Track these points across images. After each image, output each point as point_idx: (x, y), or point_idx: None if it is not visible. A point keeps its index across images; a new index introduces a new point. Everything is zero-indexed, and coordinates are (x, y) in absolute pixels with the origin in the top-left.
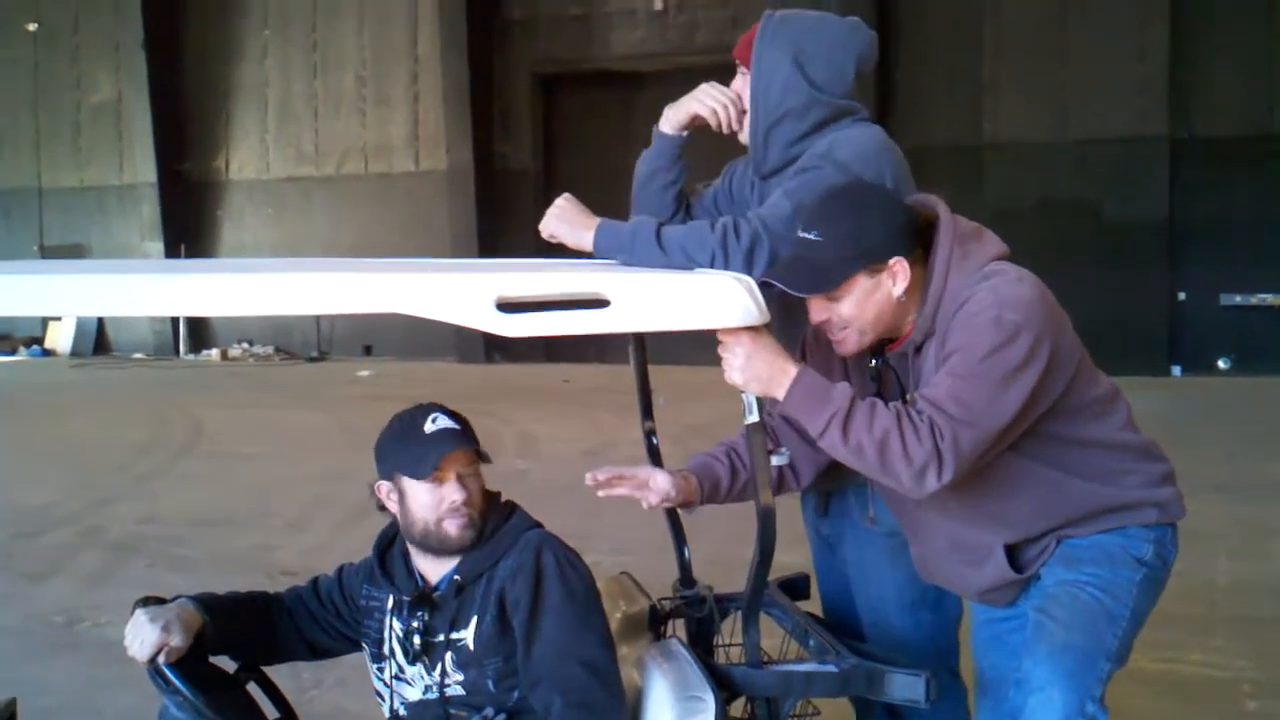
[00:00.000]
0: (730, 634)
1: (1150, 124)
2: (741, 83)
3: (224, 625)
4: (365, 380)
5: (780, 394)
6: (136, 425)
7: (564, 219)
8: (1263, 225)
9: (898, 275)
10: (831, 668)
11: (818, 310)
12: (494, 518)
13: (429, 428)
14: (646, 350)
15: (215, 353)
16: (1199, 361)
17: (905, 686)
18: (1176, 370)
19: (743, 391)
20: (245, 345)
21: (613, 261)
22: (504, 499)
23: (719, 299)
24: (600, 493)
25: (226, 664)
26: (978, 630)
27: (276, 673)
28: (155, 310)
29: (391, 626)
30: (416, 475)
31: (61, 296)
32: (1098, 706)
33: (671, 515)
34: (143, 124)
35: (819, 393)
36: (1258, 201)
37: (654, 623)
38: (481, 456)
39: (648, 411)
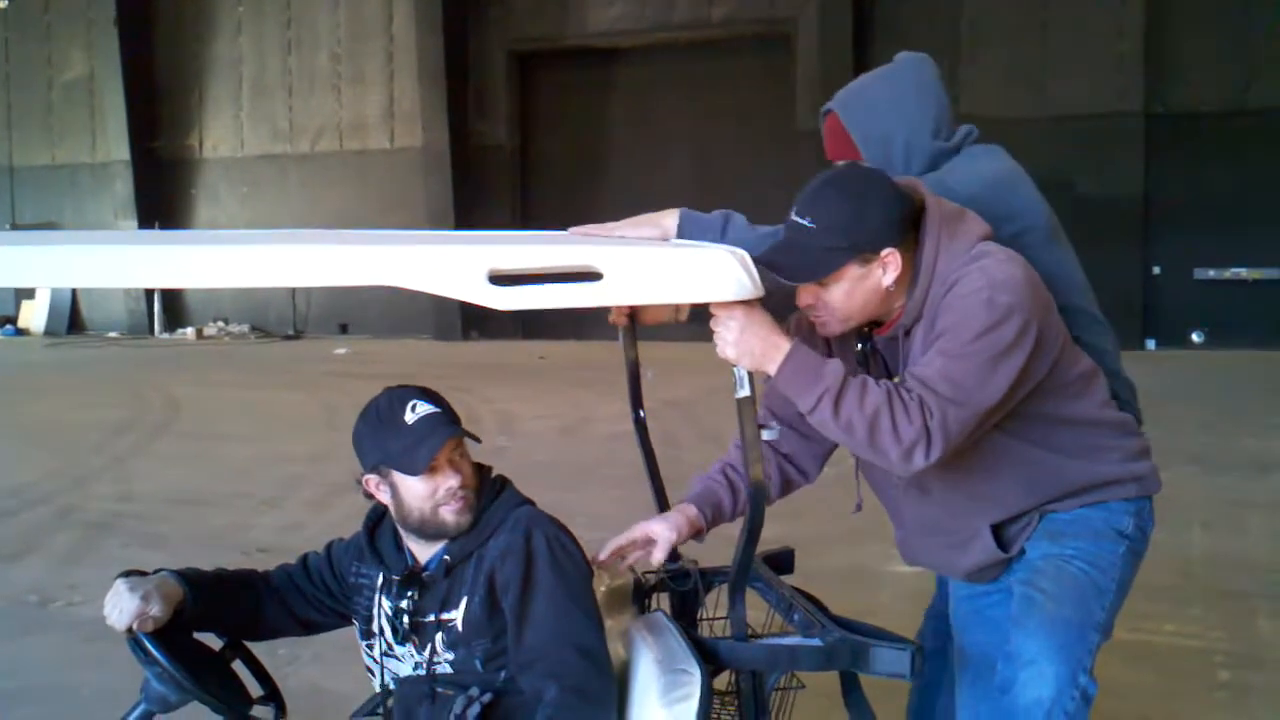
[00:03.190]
0: (714, 608)
1: (1126, 100)
2: None
3: (206, 599)
4: (342, 358)
5: (772, 370)
6: (112, 404)
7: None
8: (1236, 200)
9: (889, 266)
10: (816, 642)
11: (805, 295)
12: (485, 494)
13: (410, 417)
14: (637, 335)
15: (190, 331)
16: (1173, 335)
17: (890, 661)
18: (1151, 344)
19: (734, 366)
20: (221, 324)
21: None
22: (494, 473)
23: (713, 272)
24: (622, 566)
25: (216, 643)
26: (959, 606)
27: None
28: (142, 282)
29: (380, 605)
30: (409, 470)
31: (46, 267)
32: (1088, 678)
33: (657, 488)
34: (115, 101)
35: (811, 369)
36: (1231, 176)
37: (638, 596)
38: (471, 437)
39: (637, 399)
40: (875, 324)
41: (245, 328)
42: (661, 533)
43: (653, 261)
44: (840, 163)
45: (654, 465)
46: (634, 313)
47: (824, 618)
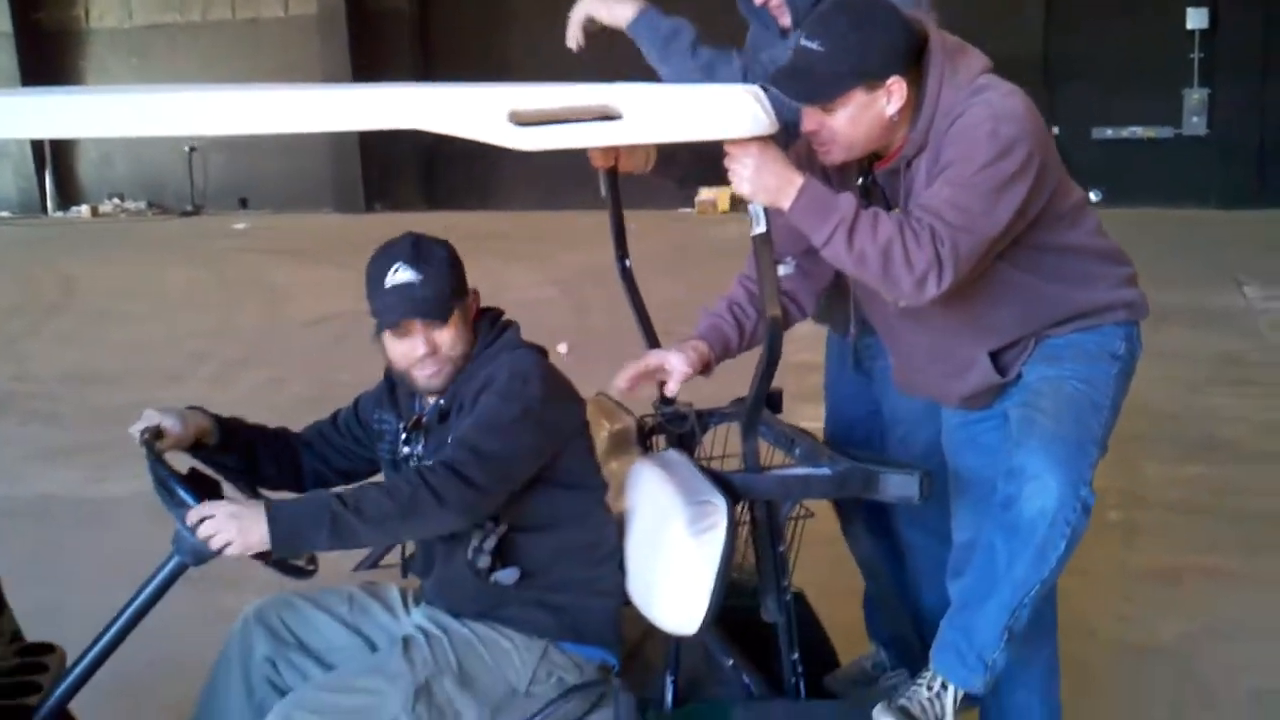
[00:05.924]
0: (711, 447)
1: None
2: None
3: (236, 440)
4: (242, 234)
5: (786, 204)
6: (3, 285)
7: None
8: (1133, 59)
9: (894, 94)
10: (826, 470)
11: (810, 120)
12: (485, 338)
13: (389, 280)
14: (619, 184)
15: (85, 209)
16: None
17: (900, 485)
18: None
19: (749, 203)
20: (116, 200)
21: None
22: (504, 317)
23: (729, 110)
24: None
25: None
26: (952, 434)
27: None
28: (175, 130)
29: (400, 451)
30: (379, 329)
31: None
32: (1088, 490)
33: (647, 329)
34: None
35: (824, 202)
36: (1128, 35)
37: (640, 438)
38: (435, 318)
39: (621, 243)
40: (875, 157)
41: (142, 204)
42: (676, 364)
43: (670, 101)
44: None
45: (643, 309)
46: (616, 158)
47: (827, 449)
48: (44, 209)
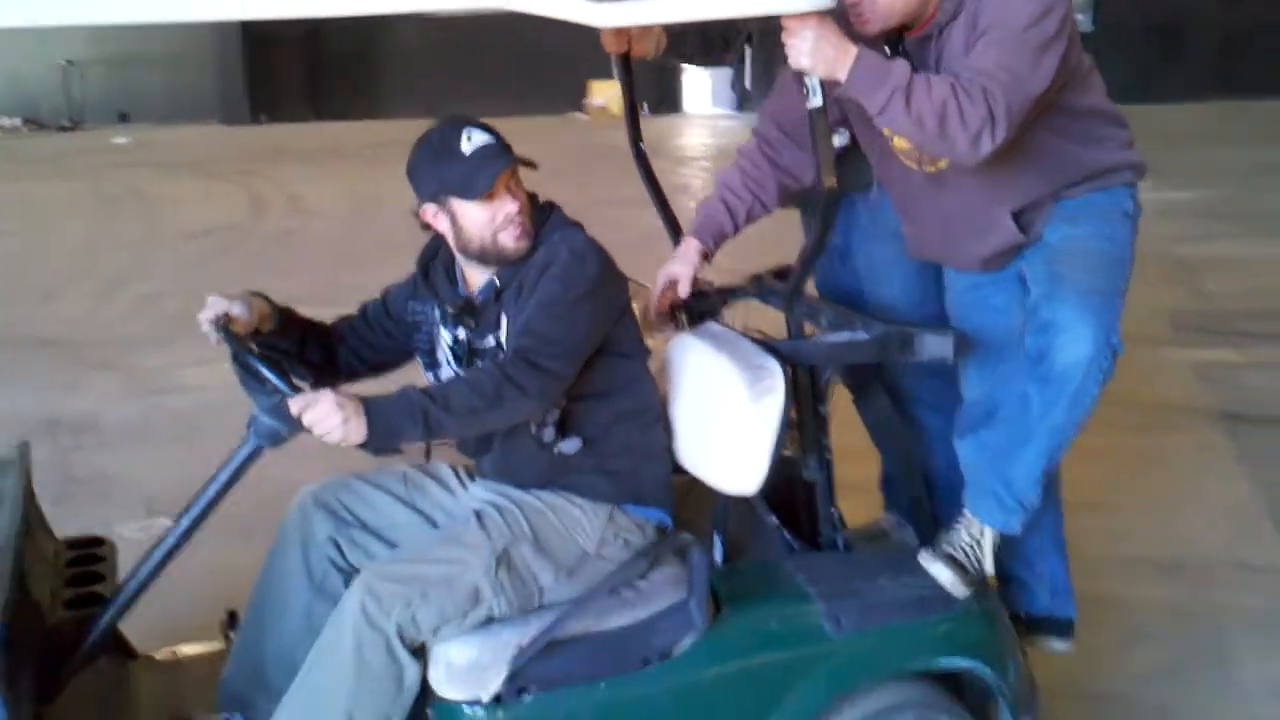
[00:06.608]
0: (732, 322)
1: None
2: None
3: (288, 322)
4: (122, 148)
5: (843, 75)
6: None
7: None
8: None
9: None
10: (865, 335)
11: None
12: (536, 216)
13: (466, 146)
14: (633, 72)
15: None
16: None
17: (936, 345)
18: None
19: (807, 75)
20: None
21: None
22: (543, 200)
23: None
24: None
25: None
26: (960, 297)
27: None
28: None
29: (441, 336)
30: (468, 196)
31: None
32: (1118, 339)
33: (667, 215)
34: None
35: (880, 70)
36: None
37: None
38: (525, 163)
39: (635, 127)
40: (902, 29)
41: (17, 121)
42: (681, 272)
43: None
44: None
45: (660, 192)
46: (629, 43)
47: (857, 315)
48: None
